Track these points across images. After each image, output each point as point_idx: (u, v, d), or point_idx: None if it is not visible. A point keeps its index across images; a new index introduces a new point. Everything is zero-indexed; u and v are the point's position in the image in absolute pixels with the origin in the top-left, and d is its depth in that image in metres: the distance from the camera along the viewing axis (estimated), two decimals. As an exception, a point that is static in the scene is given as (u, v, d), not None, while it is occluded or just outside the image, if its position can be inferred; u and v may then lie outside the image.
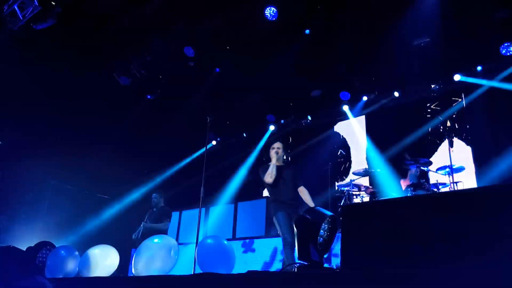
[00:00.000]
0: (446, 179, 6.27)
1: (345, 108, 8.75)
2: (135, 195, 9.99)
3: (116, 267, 4.44)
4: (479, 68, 7.21)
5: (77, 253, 4.38)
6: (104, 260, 4.10)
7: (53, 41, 7.37)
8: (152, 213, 6.48)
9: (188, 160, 10.38)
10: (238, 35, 7.46)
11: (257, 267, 6.82)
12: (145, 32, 7.72)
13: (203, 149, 5.88)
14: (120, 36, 7.73)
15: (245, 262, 7.05)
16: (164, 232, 6.27)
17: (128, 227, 9.01)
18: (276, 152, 4.82)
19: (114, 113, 9.16)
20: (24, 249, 4.69)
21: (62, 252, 4.34)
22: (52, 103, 8.24)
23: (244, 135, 10.34)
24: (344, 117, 8.98)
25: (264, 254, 6.85)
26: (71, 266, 4.23)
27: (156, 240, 3.47)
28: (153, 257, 3.35)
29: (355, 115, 8.84)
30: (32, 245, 5.17)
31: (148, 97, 8.98)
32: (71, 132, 8.77)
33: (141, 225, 6.16)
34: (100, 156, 9.20)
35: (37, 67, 7.71)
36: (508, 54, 6.57)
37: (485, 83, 7.14)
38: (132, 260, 3.46)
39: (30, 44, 7.33)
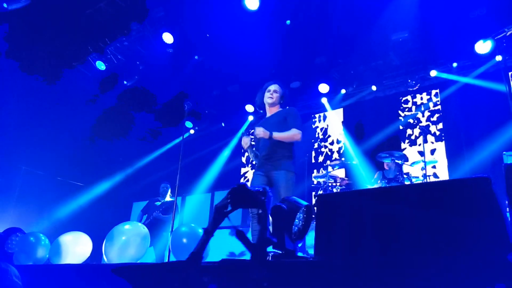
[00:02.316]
0: (419, 172, 6.41)
1: (324, 100, 8.81)
2: (110, 182, 9.84)
3: (88, 255, 4.37)
4: (455, 64, 7.36)
5: (47, 240, 4.28)
6: (75, 247, 4.02)
7: (25, 23, 7.12)
8: (160, 204, 6.63)
9: (165, 148, 10.27)
10: (216, 22, 7.37)
11: (232, 256, 6.83)
12: (123, 17, 7.53)
13: (180, 138, 5.82)
14: (96, 20, 7.52)
15: (220, 251, 7.05)
16: (169, 223, 6.47)
17: (103, 215, 8.90)
18: (270, 96, 3.87)
19: (89, 98, 8.95)
20: (-8, 235, 4.55)
21: (31, 238, 4.23)
22: (23, 86, 7.98)
23: (223, 124, 10.29)
24: (322, 109, 9.05)
25: (240, 243, 6.87)
26: (41, 253, 4.14)
27: (127, 227, 3.43)
28: (127, 244, 3.31)
29: (333, 108, 8.92)
30: (1, 231, 5.03)
31: (125, 83, 8.80)
32: (43, 117, 8.52)
33: (154, 214, 6.37)
34: (74, 143, 9.00)
35: (8, 49, 7.45)
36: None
37: (460, 79, 7.30)
38: (103, 246, 3.40)
39: (2, 26, 7.07)
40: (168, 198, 6.82)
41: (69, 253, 3.93)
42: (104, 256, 3.39)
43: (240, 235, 2.15)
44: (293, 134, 3.66)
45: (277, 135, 3.62)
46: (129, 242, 3.37)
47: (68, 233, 4.18)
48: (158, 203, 6.74)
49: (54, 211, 8.51)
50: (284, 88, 4.06)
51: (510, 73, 6.69)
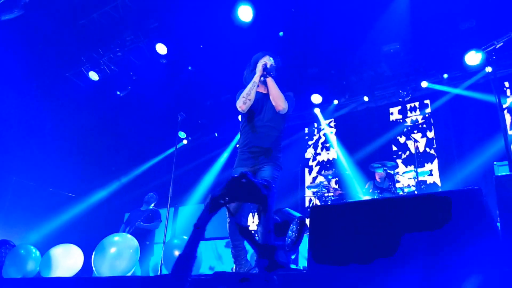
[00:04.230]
0: (411, 182, 6.45)
1: (316, 110, 8.86)
2: (102, 193, 9.76)
3: (80, 267, 4.31)
4: (445, 75, 7.46)
5: (38, 252, 4.22)
6: (66, 259, 3.96)
7: (19, 32, 7.11)
8: (142, 212, 6.51)
9: (158, 158, 10.23)
10: (210, 33, 7.42)
11: (226, 268, 6.78)
12: (116, 28, 7.55)
13: (173, 148, 5.82)
14: (90, 31, 7.53)
15: (213, 263, 7.00)
16: (153, 232, 6.36)
17: (95, 226, 8.81)
18: (264, 66, 3.31)
19: (83, 108, 8.92)
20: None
21: (22, 251, 4.17)
22: (15, 96, 7.94)
23: (216, 134, 10.28)
24: (315, 119, 9.09)
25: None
26: (31, 266, 4.07)
27: (117, 238, 3.39)
28: (118, 256, 3.27)
29: (326, 118, 8.97)
30: (-10, 243, 4.94)
31: (118, 93, 8.78)
32: (35, 127, 8.45)
33: (136, 224, 6.19)
34: (67, 153, 8.93)
35: (0, 59, 7.44)
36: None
37: (451, 90, 7.40)
38: (92, 258, 3.35)
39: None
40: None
41: (60, 266, 3.88)
42: (93, 269, 3.35)
43: (245, 234, 1.90)
44: (284, 99, 3.27)
45: (273, 85, 3.27)
46: (120, 255, 3.34)
47: (59, 246, 4.13)
48: (142, 209, 6.64)
49: (45, 223, 8.40)
50: (277, 57, 3.53)
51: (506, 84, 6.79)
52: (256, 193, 1.84)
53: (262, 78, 3.35)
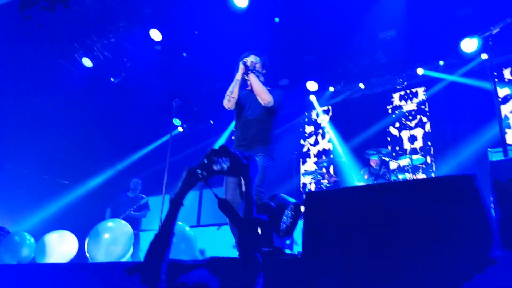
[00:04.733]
0: (406, 168, 6.47)
1: (312, 98, 8.84)
2: (97, 180, 9.75)
3: (74, 254, 4.32)
4: (441, 62, 7.44)
5: (32, 238, 4.22)
6: (61, 246, 3.97)
7: (10, 19, 7.00)
8: (132, 200, 6.49)
9: (153, 145, 10.19)
10: (205, 19, 7.33)
11: (222, 253, 6.82)
12: (110, 13, 7.43)
13: (168, 135, 5.82)
14: (83, 17, 7.40)
15: (208, 249, 7.04)
16: (140, 221, 6.38)
17: (89, 213, 8.81)
18: (244, 63, 3.49)
19: (76, 95, 8.83)
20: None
21: (16, 238, 4.17)
22: (7, 83, 7.84)
23: (211, 122, 10.24)
24: (311, 106, 9.07)
25: (228, 241, 6.87)
26: (25, 252, 4.07)
27: (110, 224, 3.38)
28: (114, 242, 3.27)
29: (322, 105, 8.95)
30: (-16, 230, 4.93)
31: (112, 80, 8.69)
32: (28, 114, 8.37)
33: (127, 212, 6.16)
34: (61, 140, 8.87)
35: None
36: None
37: (447, 77, 7.39)
38: (86, 243, 3.34)
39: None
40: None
41: (54, 252, 3.88)
42: (87, 254, 3.35)
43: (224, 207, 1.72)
44: (267, 92, 3.35)
45: (255, 80, 3.40)
46: (116, 241, 3.34)
47: (54, 232, 4.12)
48: (128, 196, 6.62)
49: (40, 210, 8.39)
50: (263, 56, 3.65)
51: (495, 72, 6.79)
52: (237, 163, 1.69)
53: (245, 76, 3.49)
